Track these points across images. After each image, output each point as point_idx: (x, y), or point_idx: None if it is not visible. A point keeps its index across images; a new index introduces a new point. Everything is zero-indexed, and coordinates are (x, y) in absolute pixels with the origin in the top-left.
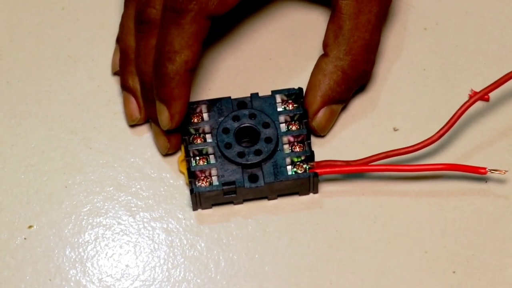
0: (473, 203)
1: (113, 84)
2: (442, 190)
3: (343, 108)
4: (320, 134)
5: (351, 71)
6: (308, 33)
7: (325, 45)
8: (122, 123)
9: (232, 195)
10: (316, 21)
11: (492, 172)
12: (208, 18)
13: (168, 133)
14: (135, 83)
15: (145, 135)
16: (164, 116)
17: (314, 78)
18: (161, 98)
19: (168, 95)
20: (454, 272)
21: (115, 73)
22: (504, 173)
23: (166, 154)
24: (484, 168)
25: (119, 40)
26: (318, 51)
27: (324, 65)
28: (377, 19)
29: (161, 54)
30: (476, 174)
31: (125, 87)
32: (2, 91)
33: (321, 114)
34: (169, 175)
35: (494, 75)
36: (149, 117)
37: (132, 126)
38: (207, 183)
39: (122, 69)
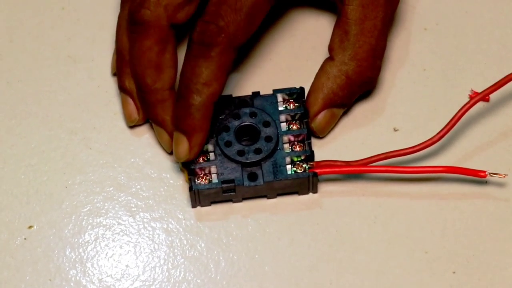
0: (473, 204)
1: (113, 84)
2: (442, 191)
3: (345, 112)
4: (319, 136)
5: (355, 77)
6: (309, 33)
7: (330, 49)
8: (122, 123)
9: (231, 193)
10: (316, 22)
11: (492, 176)
12: (235, 49)
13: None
14: (131, 84)
15: (145, 136)
16: (182, 148)
17: (318, 80)
18: (183, 129)
19: (191, 127)
20: (454, 272)
21: (114, 74)
22: (504, 176)
23: (170, 152)
24: (484, 172)
25: (116, 41)
26: (318, 51)
27: (329, 68)
28: (383, 25)
29: (188, 86)
30: (476, 177)
31: (122, 89)
32: (2, 91)
33: (321, 116)
34: (169, 175)
35: (494, 75)
36: (149, 118)
37: (131, 126)
38: (207, 181)
39: (118, 71)
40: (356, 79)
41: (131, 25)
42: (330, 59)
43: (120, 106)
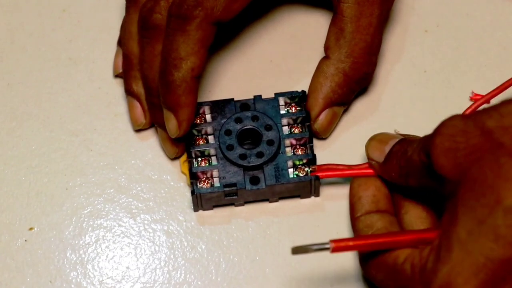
0: None
1: (114, 86)
2: None
3: (345, 111)
4: (322, 137)
5: (352, 74)
6: (309, 35)
7: (326, 47)
8: (123, 125)
9: (233, 197)
10: (316, 23)
11: None
12: (213, 24)
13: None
14: (139, 87)
15: (145, 137)
16: (171, 124)
17: (316, 80)
18: (168, 106)
19: (174, 103)
20: None
21: (116, 76)
22: None
23: (173, 158)
24: None
25: (122, 45)
26: (319, 53)
27: (326, 68)
28: (378, 22)
29: (167, 62)
30: None
31: (129, 92)
32: (3, 93)
33: (323, 117)
34: (169, 177)
35: (495, 77)
36: (155, 122)
37: (136, 130)
38: (209, 185)
39: (125, 74)
40: (353, 76)
41: (143, 30)
42: (326, 58)
43: (121, 107)
